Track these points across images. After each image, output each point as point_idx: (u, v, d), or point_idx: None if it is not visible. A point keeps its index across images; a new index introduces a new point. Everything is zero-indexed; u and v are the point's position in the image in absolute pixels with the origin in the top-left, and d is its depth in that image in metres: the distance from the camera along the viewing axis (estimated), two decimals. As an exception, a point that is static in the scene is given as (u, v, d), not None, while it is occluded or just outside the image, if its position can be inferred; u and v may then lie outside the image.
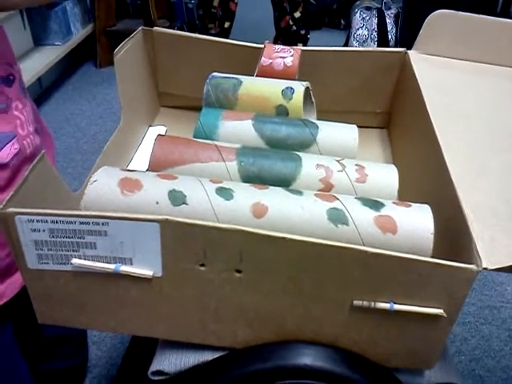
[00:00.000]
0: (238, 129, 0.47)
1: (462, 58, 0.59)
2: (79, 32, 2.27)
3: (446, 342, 0.40)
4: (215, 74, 0.53)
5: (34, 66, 1.91)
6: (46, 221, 0.36)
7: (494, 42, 0.58)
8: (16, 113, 0.54)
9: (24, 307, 0.47)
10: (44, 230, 0.36)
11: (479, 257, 0.34)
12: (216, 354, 0.42)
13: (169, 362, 0.42)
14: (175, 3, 2.48)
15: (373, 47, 2.19)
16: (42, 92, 2.15)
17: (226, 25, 2.26)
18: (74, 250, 0.37)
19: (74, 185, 0.66)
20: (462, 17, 0.58)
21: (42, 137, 0.62)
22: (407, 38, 2.06)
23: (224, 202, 0.37)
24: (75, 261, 0.37)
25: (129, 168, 0.58)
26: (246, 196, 0.38)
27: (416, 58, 0.59)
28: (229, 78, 0.52)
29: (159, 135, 0.45)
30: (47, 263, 0.38)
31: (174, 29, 2.47)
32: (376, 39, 2.19)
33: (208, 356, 0.42)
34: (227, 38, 2.27)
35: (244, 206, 0.37)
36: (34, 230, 0.36)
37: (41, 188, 0.39)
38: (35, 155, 0.57)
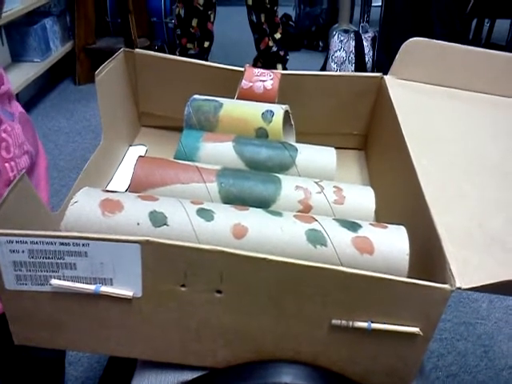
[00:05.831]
0: (218, 150, 0.48)
1: (436, 84, 0.62)
2: (58, 49, 2.27)
3: (422, 359, 0.40)
4: (196, 96, 0.54)
5: (12, 81, 1.88)
6: (26, 242, 0.36)
7: (466, 68, 0.61)
8: (4, 135, 0.54)
9: (2, 331, 0.46)
10: (23, 251, 0.36)
11: (453, 277, 0.35)
12: (196, 374, 0.42)
13: (148, 381, 0.42)
14: (156, 22, 2.50)
15: (350, 69, 2.24)
16: (20, 108, 2.13)
17: (206, 44, 2.28)
18: (53, 271, 0.37)
19: (51, 202, 0.66)
20: (436, 44, 0.60)
21: (37, 159, 0.62)
22: (383, 60, 2.12)
23: (205, 223, 0.38)
24: (54, 281, 0.37)
25: (109, 187, 0.58)
26: (227, 217, 0.38)
27: (392, 82, 0.61)
28: (210, 100, 0.53)
29: (140, 156, 0.45)
30: (26, 284, 0.38)
31: (154, 48, 2.48)
32: (353, 61, 2.24)
33: (188, 376, 0.42)
34: (207, 57, 2.30)
35: (224, 227, 0.38)
36: (13, 251, 0.36)
37: (20, 208, 0.39)
38: None
